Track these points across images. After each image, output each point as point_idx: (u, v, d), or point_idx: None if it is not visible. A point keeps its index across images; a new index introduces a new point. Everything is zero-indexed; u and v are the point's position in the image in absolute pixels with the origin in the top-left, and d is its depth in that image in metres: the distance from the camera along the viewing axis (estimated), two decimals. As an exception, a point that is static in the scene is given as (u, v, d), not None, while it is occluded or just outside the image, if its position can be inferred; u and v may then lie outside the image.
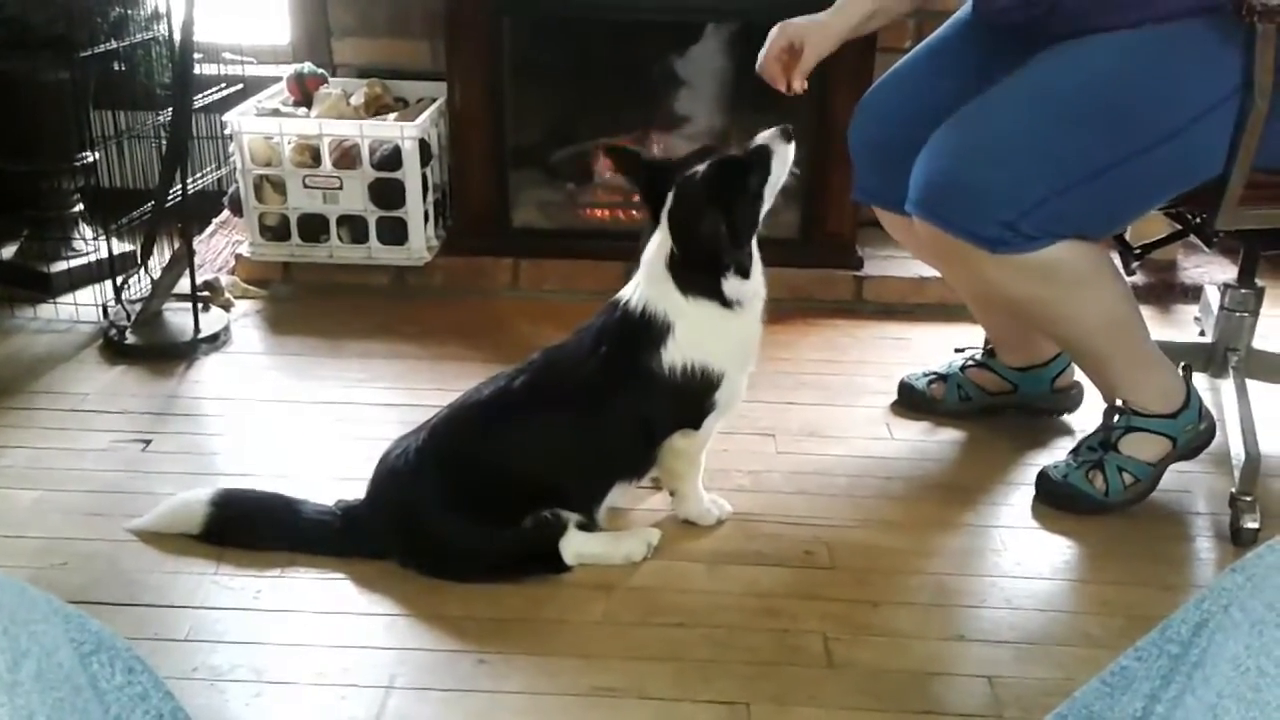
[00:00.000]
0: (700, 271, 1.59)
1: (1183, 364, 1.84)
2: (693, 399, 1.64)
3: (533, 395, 1.62)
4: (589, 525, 1.65)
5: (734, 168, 1.59)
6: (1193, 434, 1.81)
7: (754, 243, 1.63)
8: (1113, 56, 1.61)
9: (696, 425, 1.67)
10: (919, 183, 1.67)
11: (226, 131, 2.54)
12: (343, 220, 2.55)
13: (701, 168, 1.58)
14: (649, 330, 1.60)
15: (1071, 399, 2.09)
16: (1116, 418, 1.80)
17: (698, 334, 1.61)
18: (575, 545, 1.61)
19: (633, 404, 1.63)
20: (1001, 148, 1.61)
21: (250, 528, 1.66)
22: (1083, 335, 1.77)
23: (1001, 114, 1.63)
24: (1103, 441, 1.81)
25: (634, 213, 2.72)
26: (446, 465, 1.60)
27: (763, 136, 1.63)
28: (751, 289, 1.63)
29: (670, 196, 1.58)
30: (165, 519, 1.67)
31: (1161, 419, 1.79)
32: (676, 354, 1.60)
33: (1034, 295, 1.69)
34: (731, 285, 1.59)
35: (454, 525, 1.59)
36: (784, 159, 1.63)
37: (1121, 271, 1.81)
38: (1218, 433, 1.89)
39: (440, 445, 1.61)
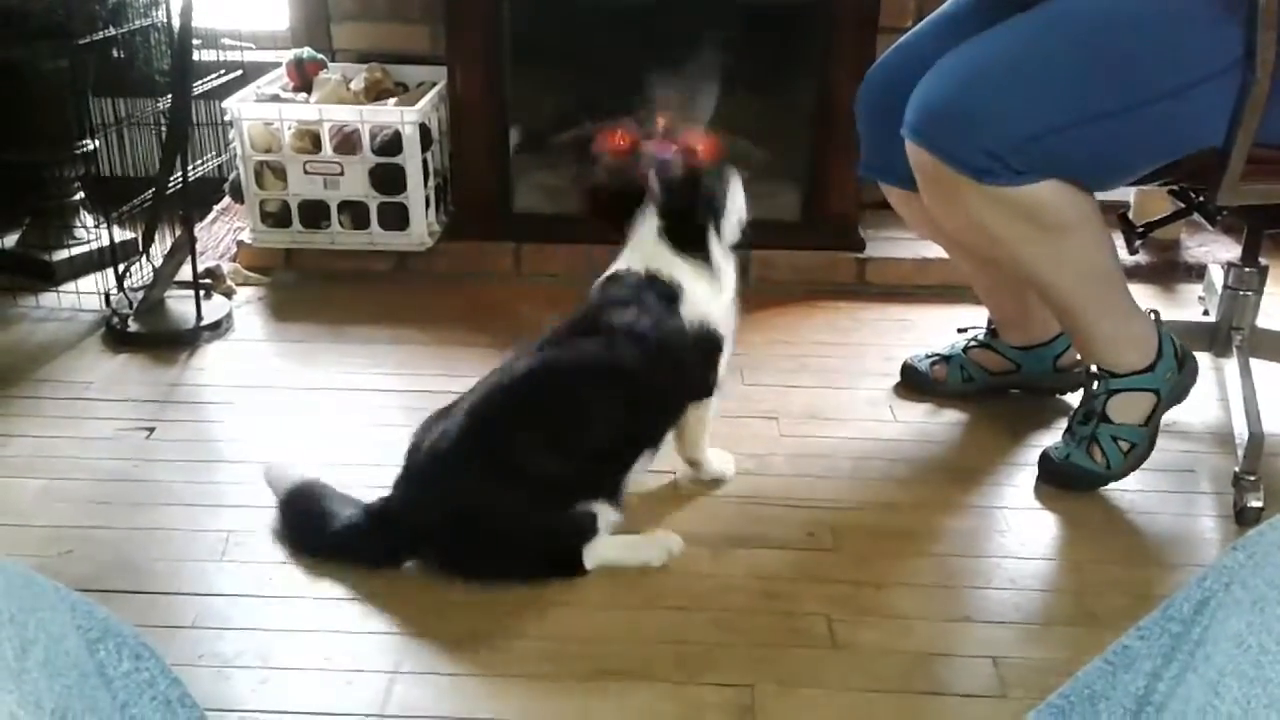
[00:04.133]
0: (689, 231, 1.70)
1: (1151, 310, 1.84)
2: (705, 361, 1.71)
3: (567, 367, 1.63)
4: (616, 500, 1.63)
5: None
6: (1174, 380, 1.80)
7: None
8: (1120, 6, 1.61)
9: (710, 392, 1.74)
10: (915, 106, 1.67)
11: (226, 118, 2.54)
12: (344, 206, 2.55)
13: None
14: (664, 293, 1.68)
15: (1075, 377, 2.08)
16: (1096, 384, 1.80)
17: (702, 293, 1.70)
18: (597, 550, 1.60)
19: (659, 367, 1.63)
20: (999, 78, 1.61)
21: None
22: (1064, 282, 1.75)
23: (1005, 46, 1.63)
24: (1089, 413, 1.81)
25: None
26: (492, 449, 1.57)
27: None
28: (729, 265, 1.74)
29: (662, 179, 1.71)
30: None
31: (1140, 375, 1.78)
32: (691, 310, 1.68)
33: (1018, 234, 1.68)
34: (716, 248, 1.72)
35: (502, 510, 1.55)
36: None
37: (1105, 227, 1.80)
38: (1221, 411, 1.89)
39: (486, 428, 1.58)
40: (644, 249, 1.72)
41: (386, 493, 1.62)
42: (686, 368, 1.69)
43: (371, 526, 1.59)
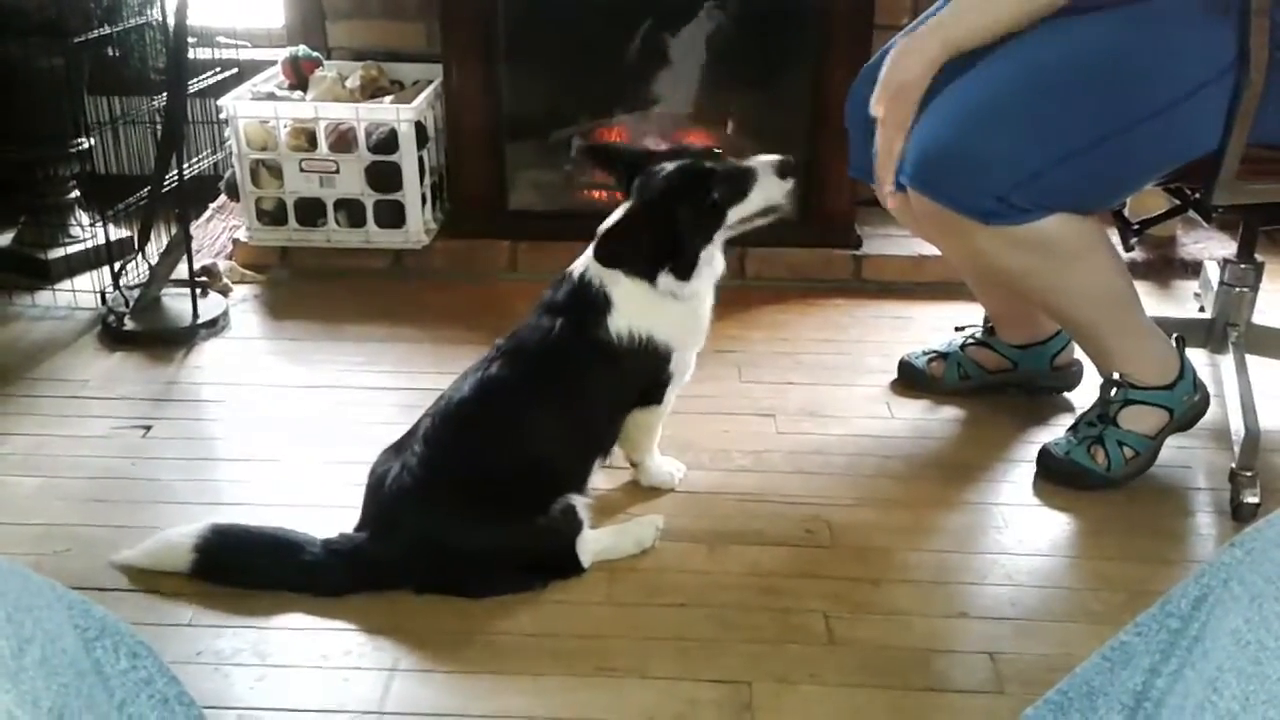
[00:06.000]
0: (637, 258, 1.60)
1: (1175, 335, 1.84)
2: (648, 370, 1.66)
3: (514, 380, 1.60)
4: (585, 492, 1.65)
5: (697, 178, 1.60)
6: (1189, 405, 1.81)
7: (704, 251, 1.64)
8: (1107, 31, 1.60)
9: (659, 400, 1.70)
10: (913, 155, 1.67)
11: (222, 116, 2.54)
12: (340, 204, 2.55)
13: (666, 168, 1.61)
14: (592, 301, 1.62)
15: (1071, 376, 2.09)
16: (1114, 391, 1.80)
17: (636, 306, 1.62)
18: (590, 545, 1.59)
19: (594, 376, 1.63)
20: (995, 120, 1.61)
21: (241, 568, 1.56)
22: (1077, 308, 1.77)
23: (996, 86, 1.63)
24: (1101, 416, 1.81)
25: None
26: (457, 470, 1.55)
27: (758, 160, 1.64)
28: (691, 289, 1.64)
29: (633, 188, 1.59)
30: (151, 557, 1.56)
31: (1158, 391, 1.79)
32: (621, 323, 1.61)
33: (1028, 267, 1.69)
34: (665, 281, 1.61)
35: (482, 529, 1.53)
36: (768, 190, 1.64)
37: (1115, 245, 1.81)
38: (1217, 407, 1.89)
39: (444, 452, 1.55)
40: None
41: (348, 530, 1.58)
42: (619, 378, 1.64)
43: (337, 563, 1.53)
